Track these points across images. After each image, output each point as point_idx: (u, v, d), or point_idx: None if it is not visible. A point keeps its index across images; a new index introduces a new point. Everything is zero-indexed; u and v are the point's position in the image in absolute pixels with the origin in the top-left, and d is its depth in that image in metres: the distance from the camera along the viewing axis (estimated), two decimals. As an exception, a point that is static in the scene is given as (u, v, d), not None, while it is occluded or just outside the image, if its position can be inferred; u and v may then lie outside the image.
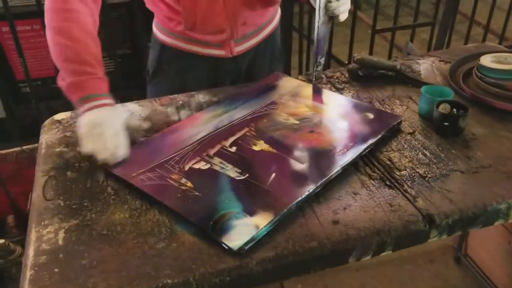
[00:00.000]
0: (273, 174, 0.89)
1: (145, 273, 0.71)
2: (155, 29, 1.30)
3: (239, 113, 1.08)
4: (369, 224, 0.79)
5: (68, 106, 1.07)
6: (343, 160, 0.92)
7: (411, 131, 1.03)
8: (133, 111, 1.11)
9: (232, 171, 0.90)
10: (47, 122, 1.09)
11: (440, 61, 1.33)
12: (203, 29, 1.18)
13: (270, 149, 0.96)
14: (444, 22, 2.53)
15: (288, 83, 1.20)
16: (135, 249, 0.76)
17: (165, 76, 1.30)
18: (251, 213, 0.80)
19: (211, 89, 1.20)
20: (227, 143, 0.98)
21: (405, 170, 0.91)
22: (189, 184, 0.87)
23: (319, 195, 0.85)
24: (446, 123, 1.01)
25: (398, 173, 0.91)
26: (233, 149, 0.96)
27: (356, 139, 0.98)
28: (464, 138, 1.01)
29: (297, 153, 0.94)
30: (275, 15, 1.33)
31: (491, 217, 0.85)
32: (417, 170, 0.91)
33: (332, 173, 0.88)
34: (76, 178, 0.91)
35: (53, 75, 1.96)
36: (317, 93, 1.17)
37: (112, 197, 0.86)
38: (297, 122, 1.04)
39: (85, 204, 0.84)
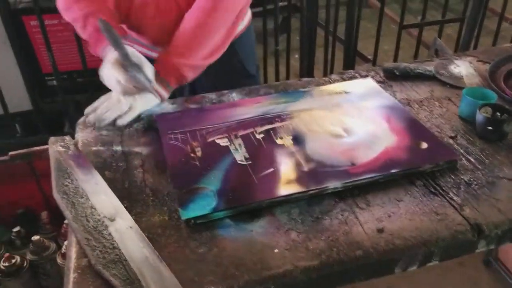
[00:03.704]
0: (271, 169, 0.87)
1: (188, 279, 0.70)
2: None
3: (294, 106, 1.07)
4: (415, 234, 0.77)
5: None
6: (348, 179, 0.84)
7: (453, 135, 1.00)
8: (166, 110, 1.10)
9: (240, 155, 0.91)
10: (81, 120, 1.08)
11: (478, 61, 1.29)
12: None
13: (291, 146, 0.94)
14: (472, 18, 2.47)
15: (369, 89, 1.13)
16: (176, 253, 0.75)
17: None
18: (222, 195, 0.81)
19: (244, 88, 1.18)
20: (259, 129, 0.98)
21: (449, 176, 0.89)
22: (199, 153, 0.92)
23: (361, 201, 0.83)
24: (490, 128, 0.98)
25: (442, 180, 0.88)
26: (260, 136, 0.97)
27: (383, 165, 0.88)
28: (508, 143, 0.97)
29: (311, 157, 0.90)
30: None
31: (541, 228, 0.82)
32: (462, 177, 0.89)
33: (322, 187, 0.83)
34: (114, 178, 0.90)
35: (79, 69, 1.97)
36: (385, 108, 1.06)
37: (151, 198, 0.85)
38: (340, 130, 0.98)
39: (125, 205, 0.83)
